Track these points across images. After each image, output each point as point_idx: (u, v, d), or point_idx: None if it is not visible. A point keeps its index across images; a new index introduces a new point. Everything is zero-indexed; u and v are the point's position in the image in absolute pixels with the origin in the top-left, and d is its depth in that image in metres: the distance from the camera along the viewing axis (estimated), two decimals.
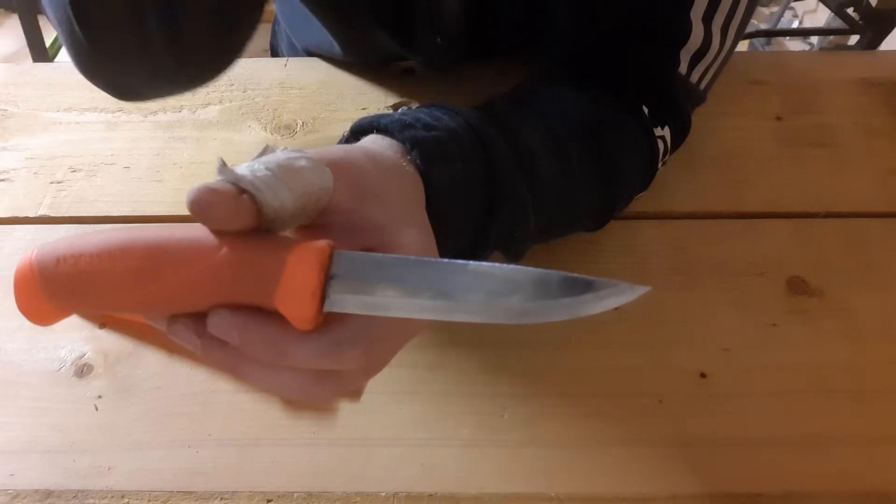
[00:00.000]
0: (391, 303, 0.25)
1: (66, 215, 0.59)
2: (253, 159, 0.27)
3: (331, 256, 0.25)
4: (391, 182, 0.31)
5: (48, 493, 0.44)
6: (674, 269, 0.54)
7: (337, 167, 0.28)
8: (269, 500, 0.44)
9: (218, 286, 0.25)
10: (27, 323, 0.28)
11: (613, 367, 0.49)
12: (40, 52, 1.70)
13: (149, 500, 0.44)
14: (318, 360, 0.25)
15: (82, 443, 0.46)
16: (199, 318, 0.26)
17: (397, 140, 0.34)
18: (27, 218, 0.59)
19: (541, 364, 0.49)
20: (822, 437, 0.46)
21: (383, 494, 0.44)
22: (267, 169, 0.25)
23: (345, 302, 0.25)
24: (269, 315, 0.25)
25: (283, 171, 0.25)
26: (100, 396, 0.48)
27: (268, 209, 0.25)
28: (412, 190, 0.32)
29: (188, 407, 0.47)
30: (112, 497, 0.44)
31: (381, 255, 0.26)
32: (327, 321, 0.26)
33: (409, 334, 0.29)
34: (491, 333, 0.51)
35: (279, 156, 0.26)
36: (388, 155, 0.33)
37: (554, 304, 0.24)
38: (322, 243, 0.25)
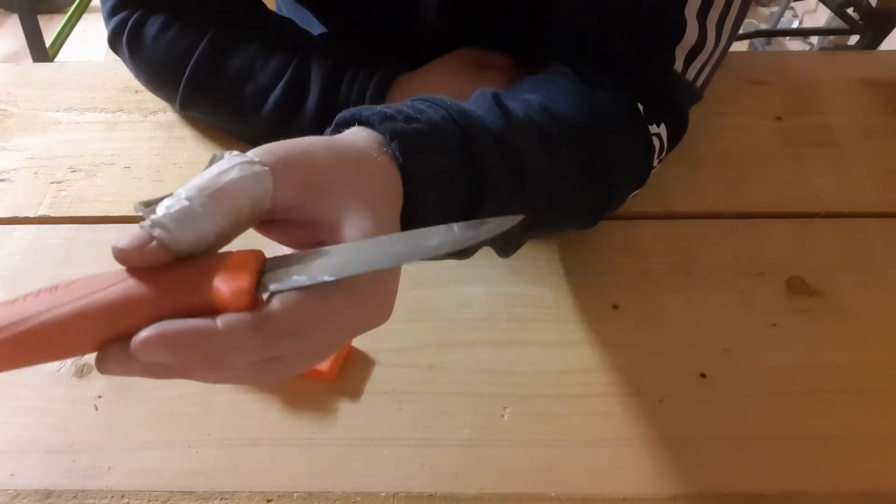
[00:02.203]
0: (325, 266, 0.27)
1: (66, 215, 0.59)
2: (202, 170, 0.28)
3: (260, 266, 0.27)
4: (353, 177, 0.31)
5: (48, 493, 0.44)
6: (674, 269, 0.54)
7: (287, 164, 0.29)
8: (269, 500, 0.44)
9: (152, 317, 0.26)
10: None
11: (613, 367, 0.49)
12: (40, 52, 1.70)
13: (149, 500, 0.44)
14: (253, 357, 0.27)
15: (82, 443, 0.46)
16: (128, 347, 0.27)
17: (377, 131, 0.34)
18: (27, 218, 0.59)
19: (541, 364, 0.49)
20: (822, 437, 0.46)
21: (383, 494, 0.44)
22: (187, 198, 0.27)
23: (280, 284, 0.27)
24: (199, 332, 0.26)
25: (205, 197, 0.27)
26: (100, 396, 0.48)
27: (181, 246, 0.26)
28: (382, 184, 0.32)
29: (188, 407, 0.47)
30: (112, 497, 0.44)
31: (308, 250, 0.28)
32: (260, 312, 0.27)
33: (350, 327, 0.30)
34: (491, 333, 0.51)
35: (208, 174, 0.27)
36: (359, 148, 0.33)
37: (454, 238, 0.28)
38: (247, 256, 0.27)
